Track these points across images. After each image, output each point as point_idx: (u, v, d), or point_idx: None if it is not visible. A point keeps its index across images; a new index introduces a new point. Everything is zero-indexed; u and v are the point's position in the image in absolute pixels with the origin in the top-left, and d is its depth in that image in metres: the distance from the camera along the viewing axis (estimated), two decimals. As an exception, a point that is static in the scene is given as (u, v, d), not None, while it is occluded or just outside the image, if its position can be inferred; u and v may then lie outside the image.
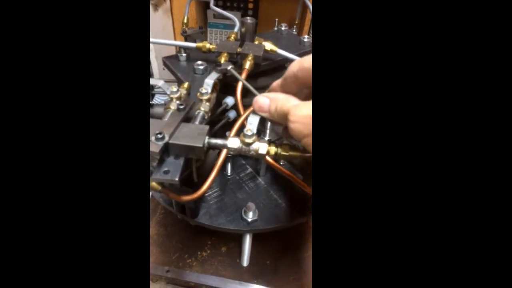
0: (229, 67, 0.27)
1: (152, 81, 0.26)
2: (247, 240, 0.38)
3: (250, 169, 0.41)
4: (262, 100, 0.21)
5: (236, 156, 0.41)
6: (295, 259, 0.41)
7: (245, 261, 0.39)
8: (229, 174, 0.39)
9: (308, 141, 0.17)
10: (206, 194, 0.37)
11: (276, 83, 0.23)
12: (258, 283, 0.38)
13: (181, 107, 0.24)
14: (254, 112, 0.22)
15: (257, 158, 0.30)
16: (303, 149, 0.23)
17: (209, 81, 0.26)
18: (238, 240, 0.41)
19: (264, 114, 0.21)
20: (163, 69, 0.62)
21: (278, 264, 0.40)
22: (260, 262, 0.40)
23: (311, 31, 0.64)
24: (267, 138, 0.34)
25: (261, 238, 0.41)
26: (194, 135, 0.22)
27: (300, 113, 0.18)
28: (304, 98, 0.20)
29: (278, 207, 0.36)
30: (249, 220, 0.33)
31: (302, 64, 0.20)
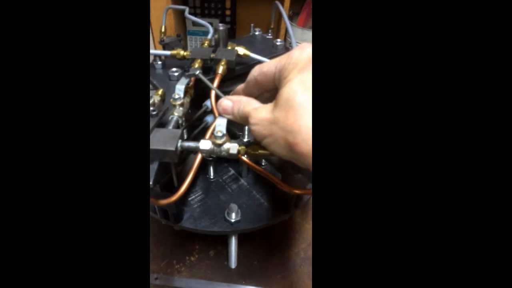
0: (197, 72, 0.28)
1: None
2: (233, 242, 0.38)
3: (232, 171, 0.41)
4: (226, 102, 0.22)
5: (219, 159, 0.41)
6: (282, 258, 0.41)
7: (233, 263, 0.40)
8: (211, 177, 0.40)
9: (268, 141, 0.18)
10: (190, 198, 0.37)
11: (240, 86, 0.24)
12: (247, 283, 0.39)
13: (154, 113, 0.25)
14: (220, 114, 0.23)
15: (239, 159, 0.31)
16: None
17: (180, 86, 0.27)
18: (225, 243, 0.41)
19: (228, 116, 0.22)
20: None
21: (265, 263, 0.41)
22: (248, 263, 0.41)
23: (286, 36, 0.66)
24: (245, 139, 0.35)
25: (247, 239, 0.41)
26: (167, 139, 0.23)
27: (260, 115, 0.19)
28: (265, 101, 0.20)
29: (260, 206, 0.37)
30: (232, 220, 0.34)
31: (261, 69, 0.21)
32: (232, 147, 0.23)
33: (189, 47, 0.73)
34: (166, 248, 0.43)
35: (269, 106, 0.19)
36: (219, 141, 0.22)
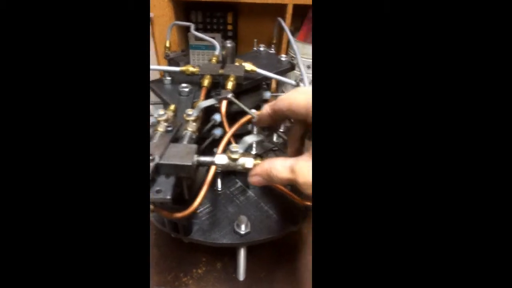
0: (229, 95, 0.30)
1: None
2: (242, 254, 0.39)
3: (240, 183, 0.42)
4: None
5: (227, 171, 0.42)
6: (289, 269, 0.41)
7: (241, 275, 0.40)
8: (219, 189, 0.40)
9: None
10: (198, 211, 0.38)
11: (266, 114, 0.25)
12: (255, 296, 0.39)
13: (169, 128, 0.26)
14: (256, 134, 0.24)
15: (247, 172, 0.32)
16: None
17: (203, 104, 0.29)
18: (232, 254, 0.42)
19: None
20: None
21: (273, 275, 0.41)
22: (256, 274, 0.41)
23: (289, 50, 0.68)
24: (253, 152, 0.36)
25: (255, 250, 0.42)
26: (183, 154, 0.23)
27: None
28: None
29: (269, 218, 0.37)
30: (242, 232, 0.34)
31: (290, 107, 0.22)
32: (248, 162, 0.23)
33: (191, 61, 0.74)
34: (172, 260, 0.43)
35: (305, 156, 0.20)
36: (235, 156, 0.23)
